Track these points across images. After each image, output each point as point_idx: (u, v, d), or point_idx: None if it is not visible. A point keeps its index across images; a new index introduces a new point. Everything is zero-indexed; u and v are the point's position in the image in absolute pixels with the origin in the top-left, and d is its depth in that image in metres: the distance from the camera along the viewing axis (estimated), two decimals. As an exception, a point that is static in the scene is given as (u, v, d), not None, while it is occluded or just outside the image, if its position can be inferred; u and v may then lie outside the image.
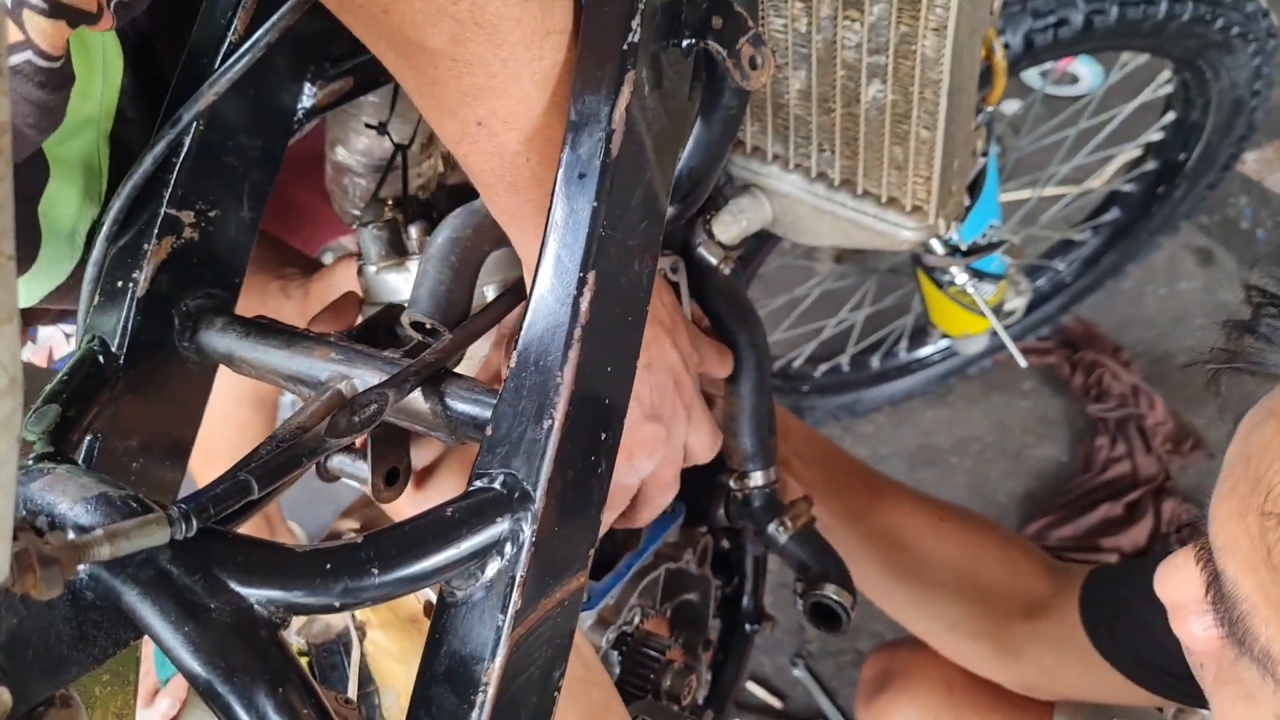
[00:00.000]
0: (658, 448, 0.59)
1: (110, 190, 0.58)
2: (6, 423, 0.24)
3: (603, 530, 0.67)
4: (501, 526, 0.42)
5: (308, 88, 0.56)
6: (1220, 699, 0.47)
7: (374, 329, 0.57)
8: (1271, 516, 0.41)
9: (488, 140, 0.45)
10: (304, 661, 0.74)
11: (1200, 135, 1.32)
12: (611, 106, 0.44)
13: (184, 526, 0.35)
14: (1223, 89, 1.24)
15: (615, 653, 0.70)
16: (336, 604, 0.38)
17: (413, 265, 0.63)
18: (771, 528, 0.74)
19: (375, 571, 0.39)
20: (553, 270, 0.44)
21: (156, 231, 0.51)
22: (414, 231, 0.64)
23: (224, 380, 0.56)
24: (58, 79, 0.46)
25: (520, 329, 0.44)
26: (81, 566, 0.36)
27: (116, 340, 0.50)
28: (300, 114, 0.56)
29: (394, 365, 0.48)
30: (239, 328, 0.52)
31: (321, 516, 1.50)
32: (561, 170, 0.44)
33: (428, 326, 0.54)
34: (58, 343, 0.94)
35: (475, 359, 0.62)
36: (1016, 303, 1.25)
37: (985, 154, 0.97)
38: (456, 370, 0.50)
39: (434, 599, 0.44)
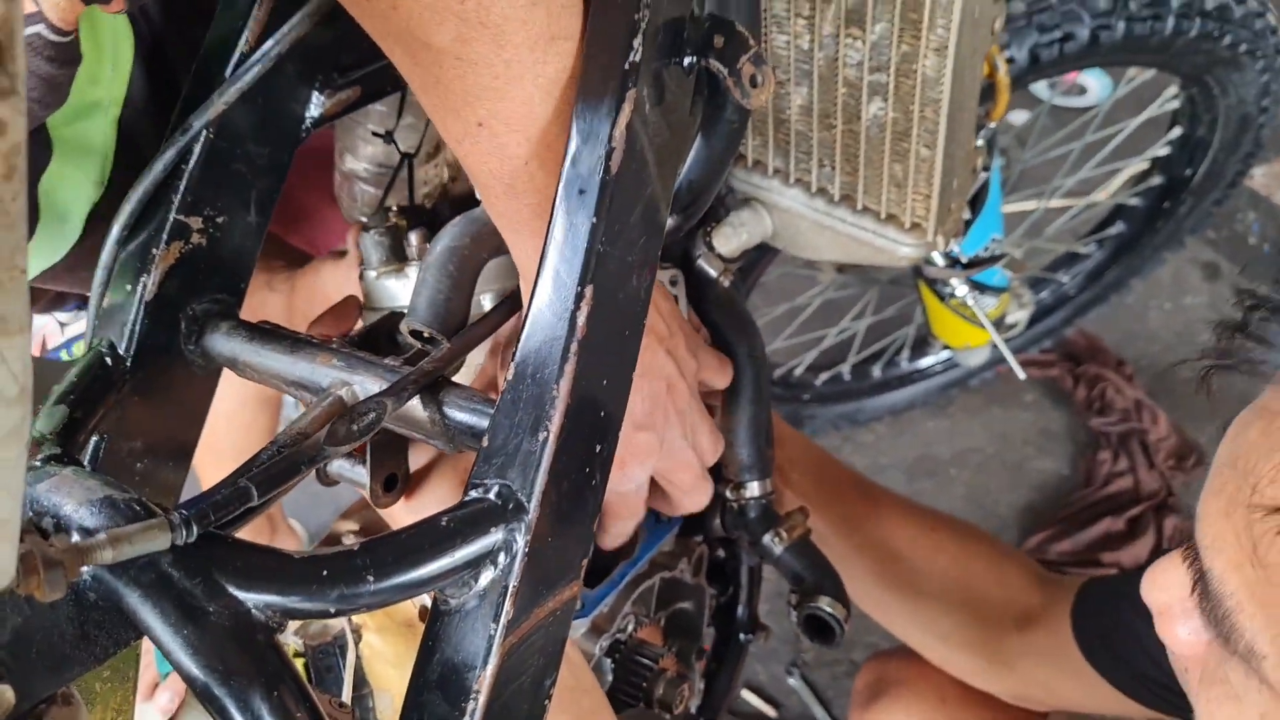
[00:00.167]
0: (650, 455, 0.59)
1: (114, 179, 0.59)
2: (16, 430, 0.25)
3: (617, 542, 0.68)
4: (495, 537, 0.42)
5: (316, 96, 0.57)
6: (1205, 700, 0.47)
7: (376, 335, 0.57)
8: (1258, 511, 0.41)
9: (488, 141, 0.45)
10: (300, 663, 0.75)
11: (1207, 151, 1.32)
12: (612, 124, 0.44)
13: (185, 532, 0.36)
14: (1230, 105, 1.24)
15: (608, 660, 0.70)
16: (332, 610, 0.39)
17: (412, 271, 0.64)
18: (767, 539, 0.74)
19: (371, 579, 0.39)
20: (551, 284, 0.44)
21: (165, 237, 0.51)
22: (414, 238, 0.64)
23: (229, 382, 0.56)
24: (66, 54, 0.47)
25: (516, 339, 0.45)
26: (84, 569, 0.36)
27: (124, 343, 0.51)
28: (308, 122, 0.57)
29: (394, 373, 0.48)
30: (244, 332, 0.53)
31: (321, 516, 1.51)
32: (562, 185, 0.44)
33: (426, 335, 0.54)
34: (51, 331, 0.92)
35: (472, 366, 0.63)
36: (1019, 315, 1.25)
37: (987, 169, 0.97)
38: (455, 379, 0.51)
39: (429, 604, 0.44)
